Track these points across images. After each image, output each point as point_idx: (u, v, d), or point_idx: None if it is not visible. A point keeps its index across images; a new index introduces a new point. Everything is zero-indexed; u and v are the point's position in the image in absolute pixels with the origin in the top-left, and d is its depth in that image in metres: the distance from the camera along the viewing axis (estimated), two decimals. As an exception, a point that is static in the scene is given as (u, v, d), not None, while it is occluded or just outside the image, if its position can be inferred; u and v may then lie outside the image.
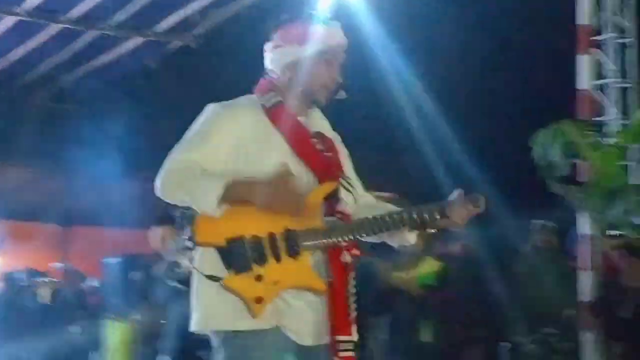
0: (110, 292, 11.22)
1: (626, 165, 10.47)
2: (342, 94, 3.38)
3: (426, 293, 7.00)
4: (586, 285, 8.93)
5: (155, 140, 12.39)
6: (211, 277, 3.16)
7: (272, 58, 3.38)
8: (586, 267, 9.00)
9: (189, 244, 3.17)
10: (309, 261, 3.21)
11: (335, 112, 3.56)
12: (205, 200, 3.07)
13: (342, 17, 3.72)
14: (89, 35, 12.15)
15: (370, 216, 3.29)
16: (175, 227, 4.19)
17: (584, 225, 9.07)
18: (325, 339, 3.24)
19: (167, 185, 3.18)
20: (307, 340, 3.23)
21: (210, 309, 3.23)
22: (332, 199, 3.29)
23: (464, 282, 8.47)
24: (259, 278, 3.11)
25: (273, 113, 3.29)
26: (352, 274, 3.31)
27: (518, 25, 12.71)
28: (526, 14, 12.20)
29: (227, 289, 3.13)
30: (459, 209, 3.23)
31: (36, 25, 11.66)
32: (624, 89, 11.15)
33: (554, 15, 11.22)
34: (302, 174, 3.26)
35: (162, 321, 7.08)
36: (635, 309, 7.93)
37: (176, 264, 6.58)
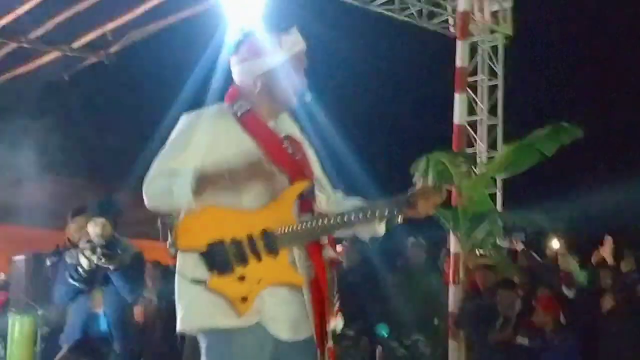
0: (16, 288, 11.08)
1: (494, 192, 11.10)
2: (308, 96, 3.33)
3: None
4: (452, 298, 9.21)
5: (67, 144, 12.50)
6: (196, 281, 3.12)
7: (240, 70, 3.30)
8: (454, 282, 9.39)
9: (171, 250, 3.13)
10: (288, 258, 3.15)
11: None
12: (181, 193, 3.03)
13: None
14: (10, 47, 11.95)
15: (343, 211, 3.22)
16: (160, 235, 4.19)
17: (454, 244, 9.43)
18: (303, 334, 3.18)
19: (150, 192, 3.15)
20: (285, 335, 3.16)
21: (193, 309, 3.16)
22: (305, 198, 3.22)
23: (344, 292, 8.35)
24: (242, 278, 3.07)
25: (244, 120, 3.23)
26: (334, 269, 3.27)
27: (407, 66, 13.16)
28: (416, 58, 12.54)
29: (213, 290, 3.08)
30: (425, 198, 3.15)
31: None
32: (492, 126, 11.86)
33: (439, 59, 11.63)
34: (275, 176, 3.19)
35: (64, 316, 6.73)
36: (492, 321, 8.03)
37: (78, 265, 6.24)
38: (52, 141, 12.44)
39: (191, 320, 3.17)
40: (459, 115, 10.62)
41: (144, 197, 3.15)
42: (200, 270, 3.09)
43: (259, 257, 3.08)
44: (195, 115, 3.27)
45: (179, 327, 3.21)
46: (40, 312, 7.23)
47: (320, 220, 3.17)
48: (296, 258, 3.18)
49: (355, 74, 14.11)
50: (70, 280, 6.36)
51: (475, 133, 12.02)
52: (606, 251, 8.78)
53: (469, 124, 11.41)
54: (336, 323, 3.25)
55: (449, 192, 8.95)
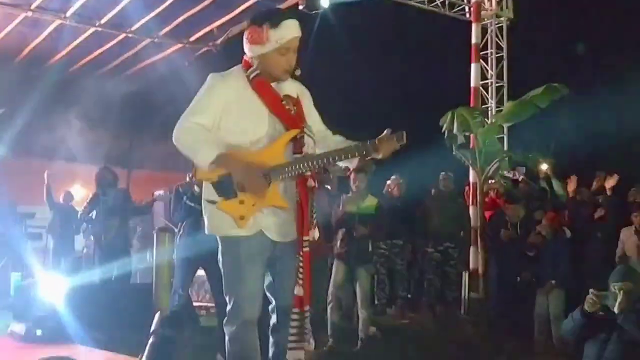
0: (157, 213, 11.31)
1: (502, 137, 11.07)
2: (298, 72, 3.23)
3: (367, 219, 7.15)
4: (473, 215, 9.37)
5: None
6: (210, 201, 3.15)
7: (245, 49, 3.23)
8: (473, 203, 9.59)
9: (192, 179, 3.21)
10: (279, 188, 3.13)
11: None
12: (203, 160, 3.01)
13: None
14: (144, 42, 12.02)
15: (324, 151, 3.20)
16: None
17: (472, 176, 9.57)
18: (290, 237, 3.18)
19: (179, 140, 3.08)
20: (276, 238, 3.16)
21: (212, 220, 3.20)
22: (296, 141, 3.16)
23: (393, 212, 8.31)
24: (241, 202, 3.06)
25: (253, 82, 3.16)
26: (314, 194, 3.23)
27: (433, 44, 13.02)
28: (440, 38, 12.39)
29: (220, 209, 3.10)
30: (387, 143, 3.08)
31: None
32: (500, 87, 11.77)
33: (458, 39, 11.49)
34: (276, 126, 3.16)
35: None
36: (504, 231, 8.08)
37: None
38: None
39: (212, 227, 3.20)
40: (474, 79, 10.69)
41: (174, 140, 3.09)
42: (213, 194, 3.12)
43: None
44: (219, 75, 3.20)
45: (206, 230, 3.24)
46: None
47: (305, 161, 3.12)
48: (285, 188, 3.17)
49: (392, 51, 14.08)
50: (188, 202, 6.44)
51: (487, 93, 11.98)
52: (609, 183, 8.59)
53: (482, 87, 11.36)
54: (313, 233, 3.21)
55: (468, 137, 8.93)
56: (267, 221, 3.15)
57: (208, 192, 3.16)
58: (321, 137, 3.33)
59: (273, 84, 3.22)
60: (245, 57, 3.24)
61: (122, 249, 8.38)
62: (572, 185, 8.63)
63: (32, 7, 10.46)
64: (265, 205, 3.11)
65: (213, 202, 3.12)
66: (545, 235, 7.63)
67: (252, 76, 3.17)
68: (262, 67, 3.17)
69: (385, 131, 3.10)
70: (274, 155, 3.12)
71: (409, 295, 9.55)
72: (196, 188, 6.23)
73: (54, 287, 6.61)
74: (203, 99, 3.14)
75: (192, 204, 6.36)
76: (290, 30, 3.14)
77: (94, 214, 8.51)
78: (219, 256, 3.22)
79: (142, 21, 11.17)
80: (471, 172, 9.52)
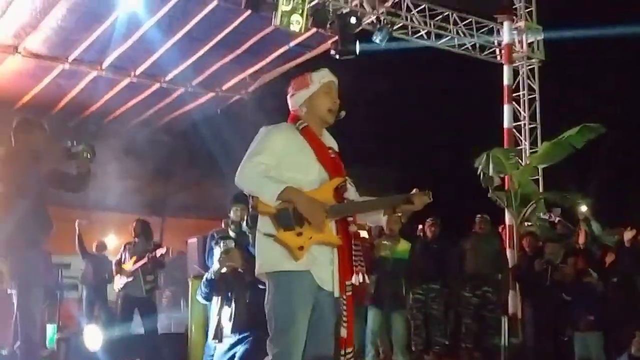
0: (190, 261, 11.17)
1: (537, 178, 10.92)
2: (342, 114, 3.40)
3: (402, 264, 7.10)
4: (510, 258, 9.16)
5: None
6: (267, 234, 3.20)
7: (292, 102, 3.43)
8: (509, 246, 9.44)
9: (253, 212, 3.24)
10: (330, 226, 3.23)
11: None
12: (270, 193, 3.14)
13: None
14: (178, 92, 12.20)
15: (363, 201, 3.39)
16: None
17: (508, 218, 9.48)
18: (328, 287, 3.21)
19: (245, 178, 3.20)
20: (327, 286, 3.20)
21: (266, 255, 3.23)
22: (339, 188, 3.29)
23: (428, 255, 8.20)
24: (299, 234, 3.14)
25: (303, 132, 3.33)
26: (356, 239, 3.29)
27: (465, 86, 13.03)
28: (472, 81, 12.41)
29: (278, 241, 3.15)
30: (419, 197, 3.24)
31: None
32: (533, 128, 11.66)
33: (489, 81, 11.51)
34: (322, 173, 3.28)
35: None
36: (542, 275, 7.85)
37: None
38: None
39: (264, 263, 3.24)
40: (507, 121, 10.63)
41: (237, 179, 3.22)
42: (270, 227, 3.18)
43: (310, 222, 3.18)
44: (273, 127, 3.35)
45: (257, 270, 3.29)
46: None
47: (349, 205, 3.28)
48: (332, 228, 3.25)
49: (426, 94, 14.08)
50: (231, 232, 6.26)
51: (520, 134, 11.87)
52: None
53: (515, 128, 11.28)
54: (358, 278, 3.23)
55: (503, 179, 8.86)
56: (319, 264, 3.20)
57: (265, 225, 3.23)
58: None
59: (319, 137, 3.40)
60: (292, 110, 3.45)
61: (153, 301, 8.33)
62: (628, 235, 8.41)
63: (70, 59, 10.74)
64: (322, 240, 3.19)
65: (271, 235, 3.18)
66: (584, 278, 7.45)
67: (301, 127, 3.35)
68: (309, 114, 3.39)
69: (413, 190, 3.26)
70: (321, 199, 3.23)
71: (446, 342, 9.30)
72: (231, 233, 6.21)
73: (89, 338, 6.59)
74: (262, 142, 3.29)
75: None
76: (328, 73, 3.43)
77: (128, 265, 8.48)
78: (268, 298, 3.23)
79: (176, 71, 11.39)
80: (507, 214, 9.38)
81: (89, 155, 4.50)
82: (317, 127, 3.39)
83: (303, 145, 3.31)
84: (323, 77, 3.39)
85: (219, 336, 4.88)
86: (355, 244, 3.27)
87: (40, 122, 4.94)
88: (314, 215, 3.15)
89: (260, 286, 4.63)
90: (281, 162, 3.24)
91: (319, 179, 3.28)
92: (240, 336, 4.83)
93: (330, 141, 3.46)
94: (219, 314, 4.95)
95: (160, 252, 8.03)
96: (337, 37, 9.80)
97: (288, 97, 3.45)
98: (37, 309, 4.56)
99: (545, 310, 7.87)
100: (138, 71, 11.30)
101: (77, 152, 4.47)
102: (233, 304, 4.90)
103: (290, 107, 3.45)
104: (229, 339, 4.84)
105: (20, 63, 10.77)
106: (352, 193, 3.37)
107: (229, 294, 4.95)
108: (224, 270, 4.93)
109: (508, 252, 9.42)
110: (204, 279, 5.11)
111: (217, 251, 5.06)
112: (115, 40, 10.05)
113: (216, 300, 5.04)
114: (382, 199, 3.34)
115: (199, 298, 5.18)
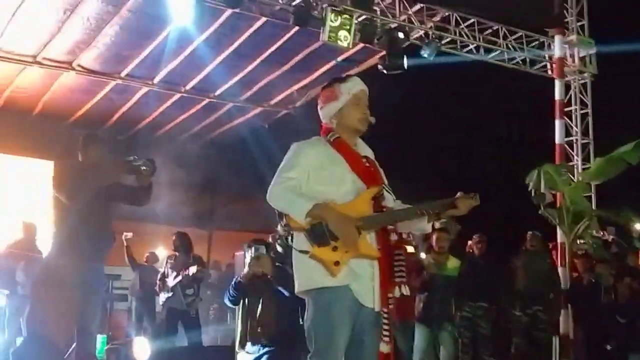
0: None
1: (590, 195, 10.66)
2: (372, 120, 3.34)
3: (451, 281, 7.01)
4: (562, 277, 8.87)
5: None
6: (302, 251, 3.15)
7: (322, 114, 3.38)
8: (561, 265, 9.19)
9: (286, 228, 3.30)
10: (368, 238, 3.15)
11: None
12: (299, 210, 3.09)
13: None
14: (227, 106, 12.37)
15: (403, 208, 3.31)
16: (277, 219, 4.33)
17: (560, 236, 9.22)
18: (369, 304, 3.14)
19: (275, 195, 3.17)
20: (368, 303, 3.14)
21: (304, 274, 3.18)
22: (377, 198, 3.23)
23: (476, 272, 7.88)
24: (335, 249, 3.08)
25: (335, 144, 3.29)
26: (397, 249, 3.22)
27: (516, 101, 12.86)
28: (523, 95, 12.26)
29: (313, 257, 3.10)
30: (464, 201, 3.18)
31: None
32: (585, 144, 11.41)
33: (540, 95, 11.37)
34: (357, 183, 3.23)
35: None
36: (595, 296, 7.81)
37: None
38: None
39: (302, 282, 3.19)
40: (559, 136, 10.41)
41: (268, 196, 3.18)
42: (305, 244, 3.13)
43: None
44: (302, 143, 3.32)
45: (297, 289, 3.23)
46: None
47: (383, 214, 3.20)
48: (371, 239, 3.18)
49: (475, 109, 13.96)
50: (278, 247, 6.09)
51: (572, 150, 11.62)
52: None
53: (567, 143, 11.03)
54: (401, 290, 3.16)
55: (555, 196, 8.69)
56: (358, 279, 3.14)
57: (299, 242, 3.18)
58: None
59: (353, 147, 3.35)
60: (323, 123, 3.39)
61: (195, 314, 8.41)
62: None
63: (122, 74, 10.97)
64: (359, 254, 3.12)
65: (306, 252, 3.13)
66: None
67: (332, 139, 3.31)
68: (340, 125, 3.33)
69: (458, 193, 3.20)
70: (358, 210, 3.17)
71: (495, 361, 9.13)
72: (278, 248, 6.22)
73: (138, 349, 6.65)
74: (292, 158, 3.26)
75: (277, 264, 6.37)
76: (357, 82, 3.39)
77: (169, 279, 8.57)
78: (307, 315, 3.18)
79: (225, 86, 11.54)
80: (559, 232, 9.18)
81: (149, 169, 4.53)
82: (350, 137, 3.35)
83: (334, 157, 3.27)
84: (352, 87, 3.34)
85: (243, 343, 4.87)
86: (397, 254, 3.21)
87: (104, 138, 5.03)
88: (344, 233, 3.08)
89: (286, 293, 4.72)
90: (313, 177, 3.20)
91: (354, 189, 3.22)
92: (264, 350, 4.80)
93: (365, 150, 3.41)
94: (246, 319, 4.92)
95: (192, 270, 8.09)
96: (384, 52, 9.77)
97: (318, 109, 3.41)
98: (94, 319, 4.66)
99: (598, 331, 7.72)
100: (188, 86, 11.49)
101: (138, 166, 4.52)
102: (259, 310, 4.88)
103: (321, 118, 3.41)
104: (254, 349, 4.82)
105: (74, 79, 11.06)
106: (390, 201, 3.30)
107: (256, 299, 4.92)
108: (252, 274, 4.90)
109: (560, 270, 9.17)
110: (232, 282, 5.10)
111: (248, 256, 5.04)
112: (166, 56, 10.23)
113: (243, 305, 5.01)
114: (423, 205, 3.25)
115: (227, 301, 5.16)
